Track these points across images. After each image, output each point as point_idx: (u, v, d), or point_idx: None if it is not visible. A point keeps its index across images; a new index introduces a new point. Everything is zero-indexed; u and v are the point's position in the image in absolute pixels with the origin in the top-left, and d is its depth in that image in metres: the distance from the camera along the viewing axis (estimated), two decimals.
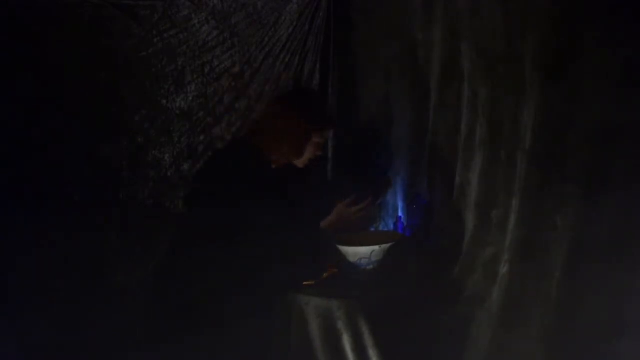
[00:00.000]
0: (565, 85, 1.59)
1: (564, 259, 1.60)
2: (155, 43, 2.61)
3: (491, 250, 1.89)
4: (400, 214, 2.67)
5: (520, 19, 1.73)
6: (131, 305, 2.43)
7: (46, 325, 2.32)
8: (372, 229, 2.78)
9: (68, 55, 2.43)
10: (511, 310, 1.76)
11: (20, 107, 2.32)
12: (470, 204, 2.01)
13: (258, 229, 2.03)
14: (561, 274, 1.61)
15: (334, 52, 2.97)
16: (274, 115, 2.24)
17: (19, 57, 2.31)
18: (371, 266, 2.18)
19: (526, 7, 1.70)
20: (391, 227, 2.70)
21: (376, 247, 2.15)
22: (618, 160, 1.52)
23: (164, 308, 2.12)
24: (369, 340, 1.98)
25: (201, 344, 2.07)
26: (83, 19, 2.45)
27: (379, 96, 2.80)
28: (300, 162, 2.24)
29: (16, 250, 2.27)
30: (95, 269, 2.47)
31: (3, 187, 2.25)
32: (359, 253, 2.17)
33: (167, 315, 2.11)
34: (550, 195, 1.64)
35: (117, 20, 2.53)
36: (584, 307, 1.58)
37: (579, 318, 1.59)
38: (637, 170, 1.49)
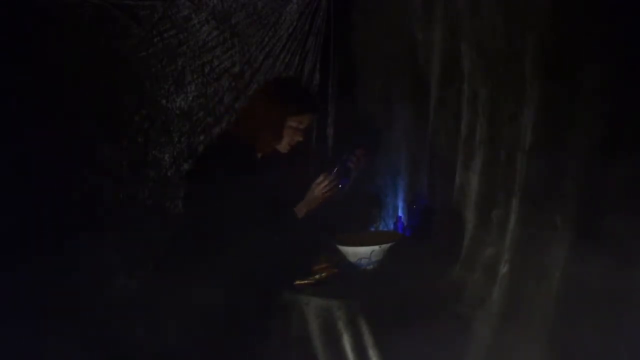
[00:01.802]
0: (565, 85, 1.59)
1: (564, 259, 1.60)
2: (155, 43, 2.61)
3: (491, 250, 1.89)
4: (400, 214, 2.67)
5: (520, 19, 1.73)
6: (132, 305, 2.43)
7: (46, 326, 2.32)
8: (372, 229, 2.78)
9: (68, 56, 2.43)
10: (511, 310, 1.76)
11: (20, 107, 2.32)
12: (470, 204, 2.01)
13: (243, 223, 2.10)
14: (561, 274, 1.61)
15: (334, 52, 2.97)
16: (252, 104, 2.36)
17: (19, 57, 2.31)
18: (371, 266, 2.18)
19: (526, 7, 1.70)
20: (391, 227, 2.70)
21: (376, 247, 2.15)
22: (618, 160, 1.52)
23: (164, 306, 2.13)
24: (369, 340, 1.98)
25: (201, 342, 2.08)
26: (83, 19, 2.45)
27: (379, 96, 2.80)
28: (282, 148, 2.28)
29: (16, 251, 2.27)
30: (95, 269, 2.47)
31: (3, 187, 2.25)
32: (359, 253, 2.17)
33: (168, 314, 2.13)
34: (550, 195, 1.64)
35: (117, 20, 2.52)
36: (583, 307, 1.58)
37: (578, 318, 1.59)
38: (637, 170, 1.49)
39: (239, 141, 2.23)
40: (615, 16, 1.49)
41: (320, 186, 2.24)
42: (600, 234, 1.55)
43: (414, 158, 2.59)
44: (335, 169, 2.28)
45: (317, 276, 2.17)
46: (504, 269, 1.78)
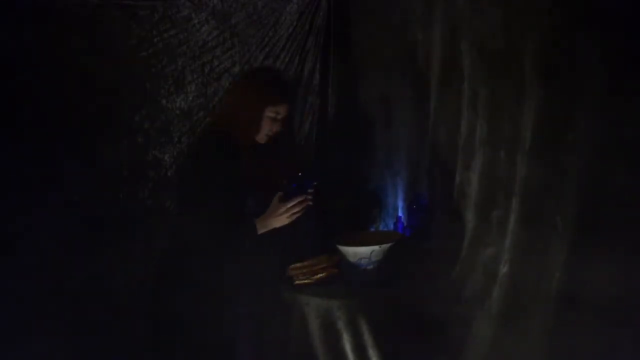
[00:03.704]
0: (565, 85, 1.59)
1: (564, 259, 1.60)
2: (155, 43, 2.61)
3: (491, 250, 1.89)
4: (400, 214, 2.67)
5: (520, 18, 1.73)
6: (131, 306, 2.43)
7: (45, 326, 2.32)
8: (372, 229, 2.78)
9: (68, 55, 2.43)
10: (511, 310, 1.76)
11: (20, 107, 2.32)
12: (470, 204, 2.01)
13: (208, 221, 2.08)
14: (561, 274, 1.61)
15: (334, 52, 2.97)
16: (229, 94, 2.35)
17: (18, 57, 2.30)
18: (371, 266, 2.18)
19: (526, 7, 1.70)
20: (391, 227, 2.70)
21: (376, 247, 2.15)
22: (618, 159, 1.52)
23: (163, 308, 2.14)
24: (369, 340, 1.98)
25: (199, 342, 2.08)
26: (83, 19, 2.45)
27: (379, 96, 2.81)
28: (260, 139, 2.23)
29: (16, 250, 2.27)
30: (95, 269, 2.47)
31: (2, 187, 2.25)
32: (359, 253, 2.17)
33: (167, 315, 2.13)
34: (550, 195, 1.64)
35: (117, 20, 2.52)
36: (583, 307, 1.58)
37: (578, 318, 1.59)
38: (637, 170, 1.49)
39: (219, 134, 2.19)
40: (615, 16, 1.49)
41: (286, 207, 2.13)
42: (600, 234, 1.55)
43: (414, 158, 2.59)
44: (294, 186, 2.16)
45: (317, 276, 2.17)
46: (504, 269, 1.78)
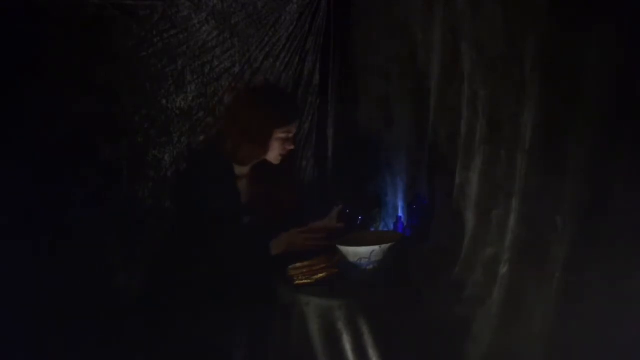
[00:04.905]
0: (565, 85, 1.59)
1: (564, 259, 1.60)
2: (155, 43, 2.61)
3: (491, 250, 1.89)
4: (400, 214, 2.67)
5: (520, 19, 1.73)
6: (131, 305, 2.43)
7: (45, 325, 2.32)
8: (372, 229, 2.78)
9: (68, 56, 2.43)
10: (511, 310, 1.76)
11: (20, 107, 2.32)
12: (470, 204, 2.01)
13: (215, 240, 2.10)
14: (561, 274, 1.61)
15: (334, 52, 2.97)
16: (234, 115, 2.26)
17: (18, 57, 2.30)
18: (371, 266, 2.18)
19: (526, 7, 1.70)
20: (391, 227, 2.70)
21: (376, 247, 2.15)
22: (618, 159, 1.52)
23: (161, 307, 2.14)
24: (369, 340, 1.98)
25: (196, 341, 2.09)
26: (83, 19, 2.45)
27: (379, 96, 2.81)
28: (272, 159, 2.22)
29: (15, 251, 2.26)
30: (94, 269, 2.47)
31: (2, 186, 2.25)
32: (359, 253, 2.17)
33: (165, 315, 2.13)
34: (550, 195, 1.64)
35: (117, 20, 2.52)
36: (584, 308, 1.58)
37: (579, 318, 1.59)
38: (637, 170, 1.49)
39: (220, 156, 2.18)
40: (615, 16, 1.49)
41: (303, 236, 2.18)
42: (600, 234, 1.55)
43: (414, 158, 2.59)
44: (326, 220, 2.23)
45: (317, 276, 2.17)
46: (504, 269, 1.78)
